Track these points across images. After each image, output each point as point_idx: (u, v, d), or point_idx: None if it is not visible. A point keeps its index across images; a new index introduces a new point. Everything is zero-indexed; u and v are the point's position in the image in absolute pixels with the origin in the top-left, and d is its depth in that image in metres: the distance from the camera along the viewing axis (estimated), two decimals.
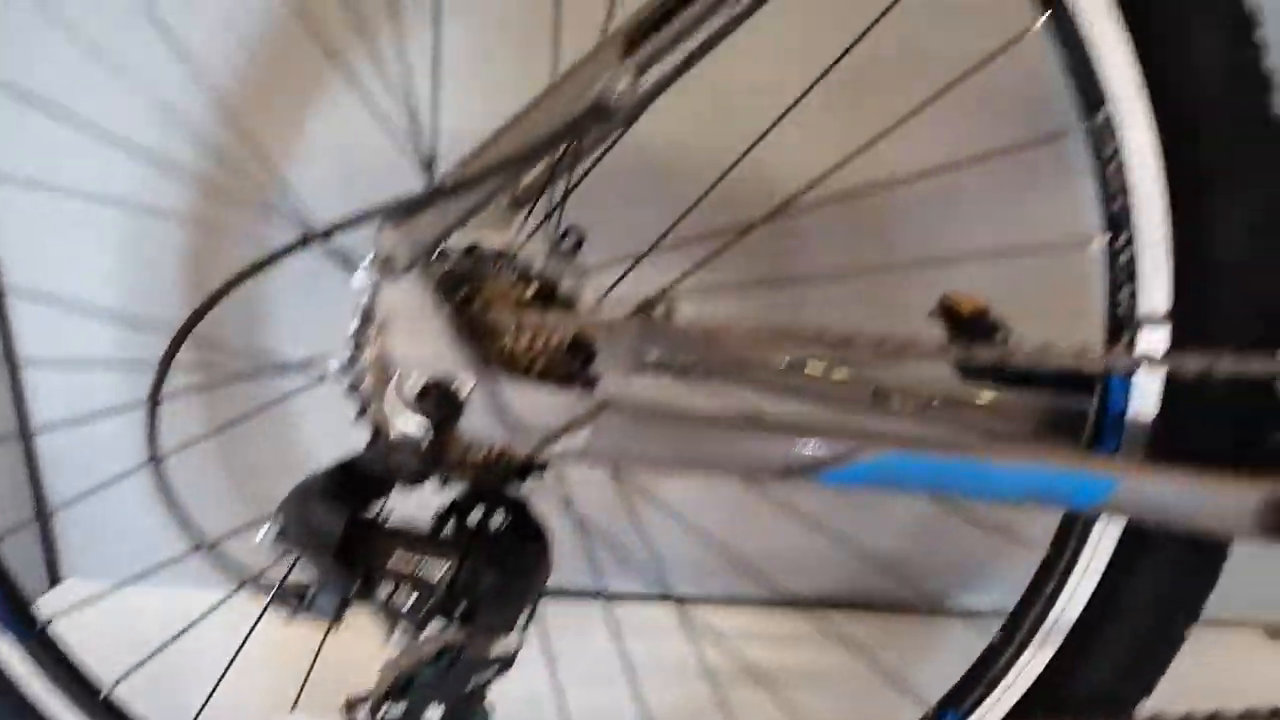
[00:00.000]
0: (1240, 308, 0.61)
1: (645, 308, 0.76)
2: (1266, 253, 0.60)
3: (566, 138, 0.53)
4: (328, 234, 0.56)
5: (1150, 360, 0.59)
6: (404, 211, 0.54)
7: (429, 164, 0.65)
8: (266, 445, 1.04)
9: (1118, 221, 0.62)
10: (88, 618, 0.74)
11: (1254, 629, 1.09)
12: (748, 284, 0.90)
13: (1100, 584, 0.68)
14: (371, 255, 0.55)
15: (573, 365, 0.63)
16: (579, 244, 0.78)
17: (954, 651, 0.71)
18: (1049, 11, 0.59)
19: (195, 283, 0.99)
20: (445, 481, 0.63)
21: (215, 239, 0.95)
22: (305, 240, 0.57)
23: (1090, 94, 0.60)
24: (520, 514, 0.62)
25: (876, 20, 0.68)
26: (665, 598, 0.91)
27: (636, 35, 0.53)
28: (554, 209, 0.66)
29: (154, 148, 0.91)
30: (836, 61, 0.70)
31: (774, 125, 0.75)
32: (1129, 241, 0.61)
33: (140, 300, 1.00)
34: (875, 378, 0.69)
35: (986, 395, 0.70)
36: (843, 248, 1.00)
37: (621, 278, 0.73)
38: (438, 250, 0.58)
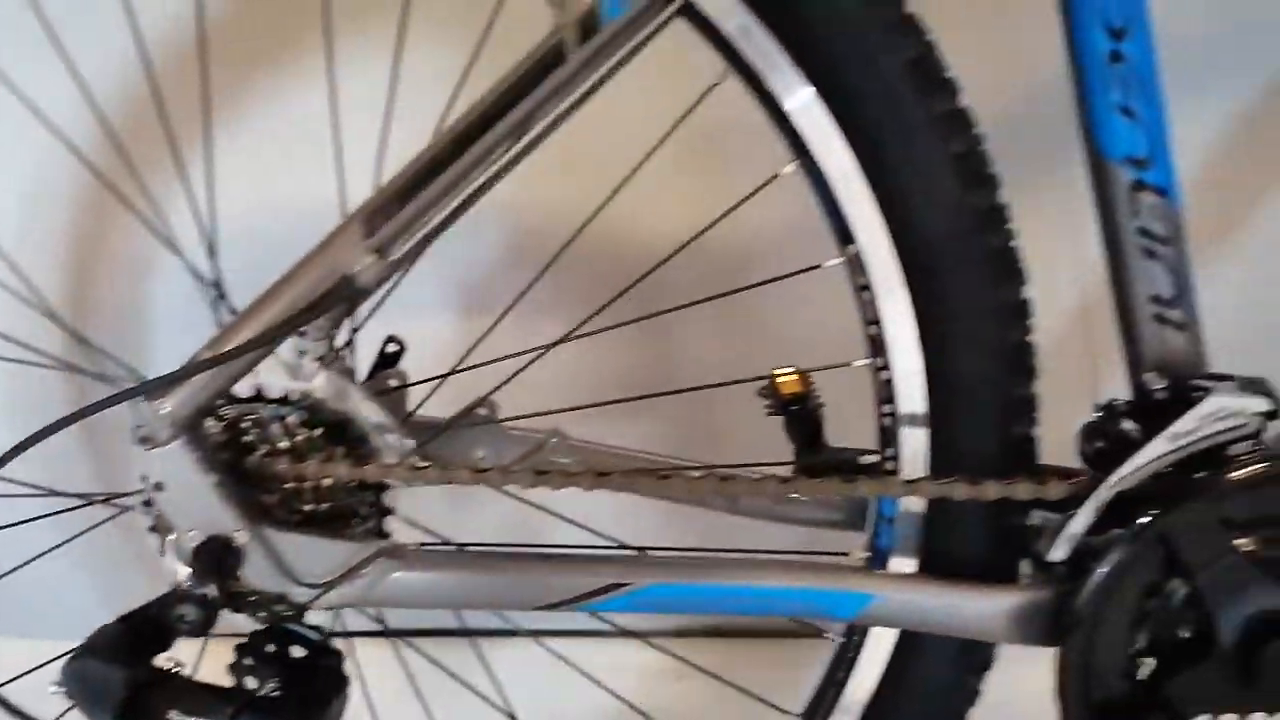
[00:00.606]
0: (987, 413, 0.65)
1: (467, 412, 0.78)
2: (1003, 366, 0.64)
3: (315, 314, 0.54)
4: (142, 389, 0.58)
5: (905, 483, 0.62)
6: (160, 386, 0.55)
7: (217, 297, 0.66)
8: None
9: (876, 345, 0.64)
10: None
11: None
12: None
13: (886, 668, 0.71)
14: (132, 428, 0.57)
15: (365, 501, 0.65)
16: (399, 354, 0.80)
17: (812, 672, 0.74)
18: (797, 161, 0.60)
19: None
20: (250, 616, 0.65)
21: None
22: (119, 396, 0.58)
23: (841, 230, 0.62)
24: (317, 645, 0.64)
25: (695, 105, 0.68)
26: (517, 633, 0.92)
27: (376, 217, 0.54)
28: (347, 343, 0.67)
29: None
30: (661, 141, 0.70)
31: (599, 210, 0.76)
32: (885, 365, 0.64)
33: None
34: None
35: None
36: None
37: (430, 395, 0.74)
38: (204, 415, 0.59)
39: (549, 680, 0.85)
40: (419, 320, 1.06)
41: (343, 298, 0.55)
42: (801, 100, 0.59)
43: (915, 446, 0.65)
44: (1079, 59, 0.59)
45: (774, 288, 0.78)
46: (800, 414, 0.73)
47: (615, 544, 0.78)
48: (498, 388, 0.77)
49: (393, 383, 0.78)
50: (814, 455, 0.74)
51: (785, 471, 0.72)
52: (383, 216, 0.55)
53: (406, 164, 0.55)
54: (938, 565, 0.67)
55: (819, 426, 0.74)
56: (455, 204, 0.54)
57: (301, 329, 0.56)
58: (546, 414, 0.79)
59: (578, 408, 0.81)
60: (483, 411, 0.79)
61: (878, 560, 0.69)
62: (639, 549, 0.77)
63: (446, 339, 0.87)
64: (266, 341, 0.55)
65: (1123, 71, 0.58)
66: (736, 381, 0.75)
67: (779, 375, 0.75)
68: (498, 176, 0.54)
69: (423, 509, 0.77)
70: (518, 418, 0.77)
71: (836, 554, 0.73)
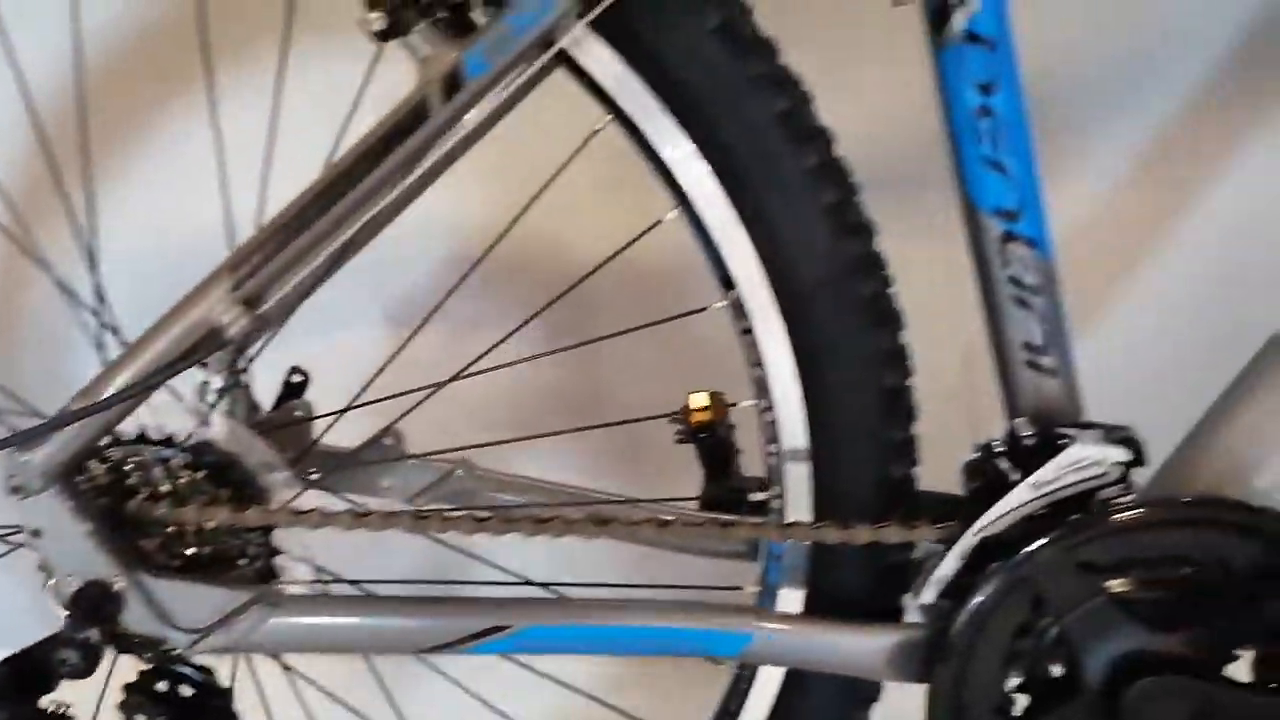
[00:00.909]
0: (867, 453, 0.66)
1: (370, 444, 0.78)
2: (881, 409, 0.65)
3: (183, 365, 0.54)
4: (10, 441, 0.58)
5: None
6: (30, 438, 0.55)
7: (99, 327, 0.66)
8: None
9: (760, 386, 0.65)
10: None
11: None
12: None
13: (775, 701, 0.72)
14: (4, 479, 0.57)
15: (252, 542, 0.65)
16: (304, 384, 0.80)
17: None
18: (679, 206, 0.61)
19: None
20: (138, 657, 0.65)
21: None
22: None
23: (723, 276, 0.62)
24: (204, 684, 0.64)
25: (579, 148, 0.68)
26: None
27: (246, 270, 0.54)
28: (232, 382, 0.67)
29: None
30: (553, 177, 0.70)
31: (499, 239, 0.75)
32: (770, 406, 0.64)
33: None
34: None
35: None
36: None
37: (326, 430, 0.74)
38: (77, 464, 0.59)
39: (446, 698, 0.86)
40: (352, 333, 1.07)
41: (213, 349, 0.56)
42: (679, 150, 0.60)
43: (799, 484, 0.66)
44: (949, 111, 0.60)
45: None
46: (710, 442, 0.74)
47: (520, 579, 0.79)
48: (403, 415, 0.77)
49: (298, 414, 0.79)
50: (722, 485, 0.74)
51: (686, 506, 0.74)
52: (252, 267, 0.55)
53: (275, 215, 0.55)
54: (823, 600, 0.68)
55: (728, 456, 0.74)
56: (323, 258, 0.54)
57: (175, 375, 0.56)
58: (456, 450, 0.79)
59: (487, 444, 0.81)
60: (389, 441, 0.80)
61: (768, 594, 0.70)
62: (544, 584, 0.77)
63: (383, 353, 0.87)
64: (134, 395, 0.55)
65: (991, 125, 0.59)
66: (655, 416, 0.75)
67: (692, 401, 0.75)
68: (367, 232, 0.54)
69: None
70: (425, 455, 0.78)
71: (730, 588, 0.74)
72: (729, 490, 0.74)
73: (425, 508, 0.64)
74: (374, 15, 0.52)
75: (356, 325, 1.08)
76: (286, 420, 0.77)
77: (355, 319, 1.08)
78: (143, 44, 0.87)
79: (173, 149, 0.90)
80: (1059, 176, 0.97)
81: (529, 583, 0.79)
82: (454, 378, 0.75)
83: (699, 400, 0.75)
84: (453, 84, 0.53)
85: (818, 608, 0.68)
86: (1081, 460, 0.58)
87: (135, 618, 0.60)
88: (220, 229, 0.69)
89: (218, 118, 0.68)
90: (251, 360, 0.73)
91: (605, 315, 1.00)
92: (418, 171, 0.54)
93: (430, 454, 0.78)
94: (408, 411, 0.77)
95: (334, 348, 1.02)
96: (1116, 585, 0.61)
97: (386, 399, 0.76)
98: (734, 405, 0.71)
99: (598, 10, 0.55)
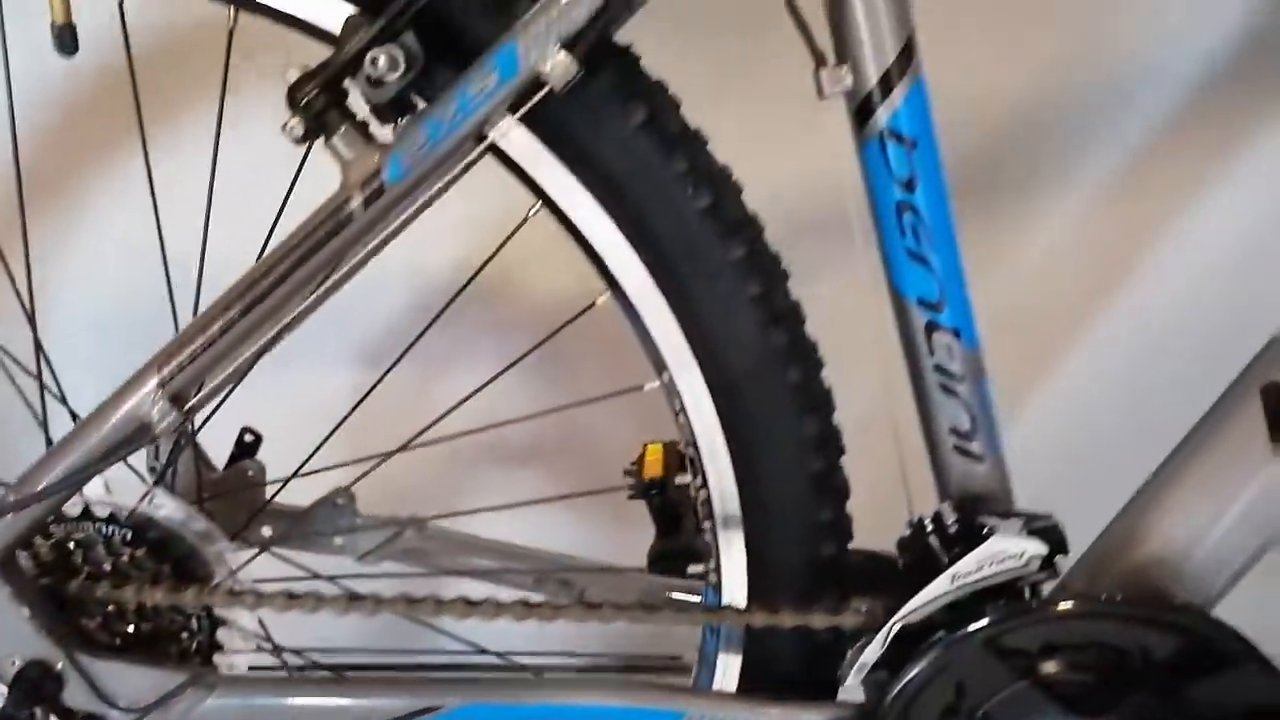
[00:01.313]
0: (799, 535, 0.67)
1: (326, 501, 0.79)
2: (812, 491, 0.66)
3: (115, 459, 0.56)
4: None
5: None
6: None
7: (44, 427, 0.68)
8: None
9: (693, 465, 0.65)
10: None
11: None
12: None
13: None
14: None
15: (195, 616, 0.67)
16: (256, 444, 0.81)
17: None
18: (609, 290, 0.61)
19: None
20: None
21: None
22: None
23: (655, 358, 0.63)
24: None
25: (516, 230, 0.69)
26: None
27: (172, 368, 0.55)
28: (172, 459, 0.68)
29: None
30: (484, 264, 0.70)
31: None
32: (704, 484, 0.65)
33: None
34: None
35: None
36: None
37: (273, 496, 0.75)
38: (13, 551, 0.60)
39: None
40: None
41: (143, 443, 0.57)
42: (608, 240, 0.60)
43: (734, 559, 0.67)
44: (873, 203, 0.60)
45: None
46: (659, 500, 0.74)
47: (473, 646, 0.80)
48: (359, 478, 0.78)
49: (250, 474, 0.80)
50: (673, 542, 0.75)
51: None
52: (178, 365, 0.56)
53: (200, 314, 0.56)
54: (760, 667, 0.69)
55: (678, 515, 0.74)
56: (247, 355, 0.55)
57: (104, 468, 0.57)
58: (406, 522, 0.80)
59: (440, 516, 0.82)
60: (341, 501, 0.81)
61: (706, 664, 0.71)
62: (499, 654, 0.78)
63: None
64: (66, 488, 0.56)
65: (913, 220, 0.59)
66: (610, 489, 0.75)
67: (647, 454, 0.76)
68: (289, 328, 0.55)
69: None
70: (374, 526, 0.78)
71: (671, 657, 0.75)
72: (678, 549, 0.74)
73: (360, 592, 0.65)
74: (292, 122, 0.52)
75: (328, 366, 1.09)
76: (238, 482, 0.79)
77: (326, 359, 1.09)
78: (80, 107, 0.89)
79: (113, 214, 0.92)
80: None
81: (483, 651, 0.80)
82: (402, 448, 0.76)
83: (652, 454, 0.75)
84: (375, 189, 0.53)
85: (755, 675, 0.69)
86: (999, 554, 0.59)
87: (76, 697, 0.61)
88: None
89: (152, 171, 0.68)
90: (199, 429, 0.74)
91: (576, 345, 1.01)
92: (342, 270, 0.55)
93: (382, 522, 0.79)
94: (361, 477, 0.78)
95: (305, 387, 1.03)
96: (1038, 671, 0.62)
97: (333, 467, 0.78)
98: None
99: (529, 106, 0.56)
